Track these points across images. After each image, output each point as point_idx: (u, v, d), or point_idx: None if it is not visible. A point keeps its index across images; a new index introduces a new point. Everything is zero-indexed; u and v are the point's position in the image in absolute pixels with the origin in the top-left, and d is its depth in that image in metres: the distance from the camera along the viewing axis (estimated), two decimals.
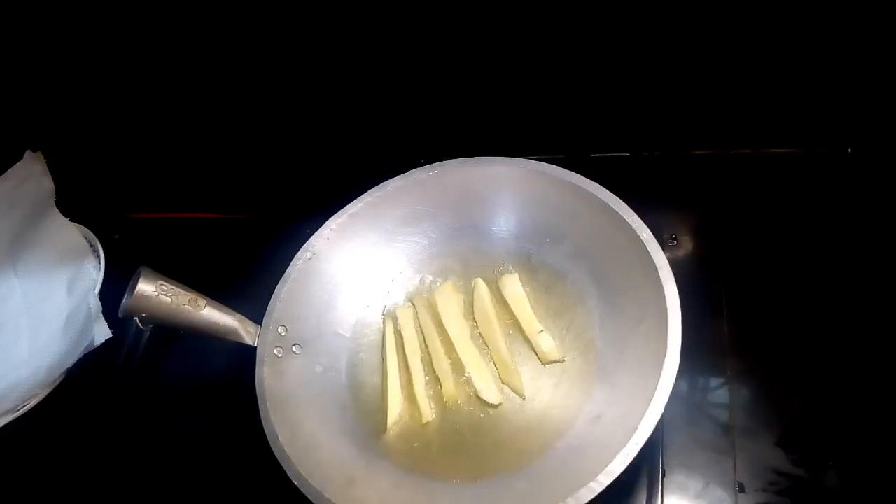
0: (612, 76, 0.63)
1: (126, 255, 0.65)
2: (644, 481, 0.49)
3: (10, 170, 0.70)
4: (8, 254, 0.67)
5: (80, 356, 0.59)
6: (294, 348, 0.55)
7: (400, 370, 0.56)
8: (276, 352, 0.54)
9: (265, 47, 0.66)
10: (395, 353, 0.57)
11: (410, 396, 0.55)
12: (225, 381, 0.60)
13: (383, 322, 0.59)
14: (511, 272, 0.59)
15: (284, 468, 0.47)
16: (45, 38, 0.68)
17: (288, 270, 0.57)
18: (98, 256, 0.66)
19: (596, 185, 0.54)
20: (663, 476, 0.49)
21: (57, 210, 0.68)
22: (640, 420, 0.43)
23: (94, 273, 0.65)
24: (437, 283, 0.60)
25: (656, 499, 0.48)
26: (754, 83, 0.60)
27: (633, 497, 0.48)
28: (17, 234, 0.68)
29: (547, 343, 0.54)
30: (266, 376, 0.52)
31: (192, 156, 0.77)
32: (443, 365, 0.55)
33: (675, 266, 0.48)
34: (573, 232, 0.57)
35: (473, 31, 0.62)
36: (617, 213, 0.52)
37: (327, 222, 0.59)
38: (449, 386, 0.54)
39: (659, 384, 0.44)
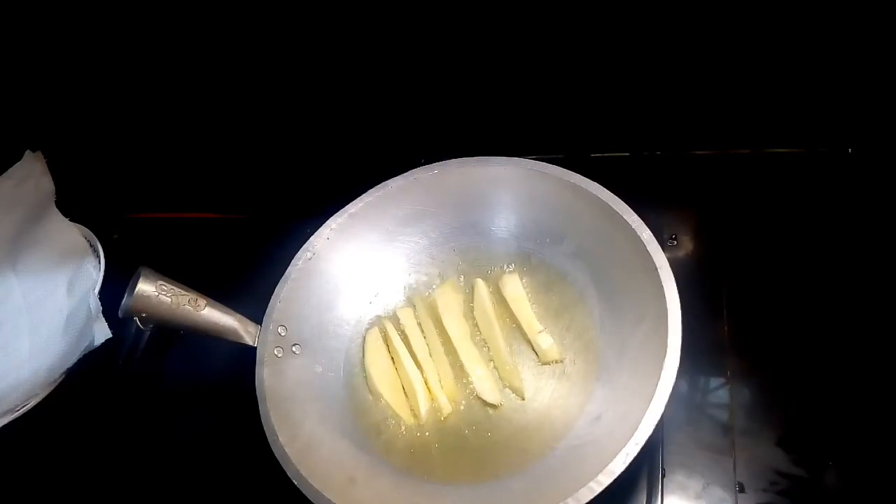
0: (612, 76, 0.63)
1: (126, 255, 0.65)
2: (644, 481, 0.49)
3: (10, 170, 0.70)
4: (8, 254, 0.67)
5: (80, 356, 0.59)
6: (294, 348, 0.55)
7: (406, 368, 0.56)
8: (276, 352, 0.54)
9: (265, 47, 0.66)
10: (399, 352, 0.57)
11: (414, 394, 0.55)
12: (225, 381, 0.60)
13: (383, 323, 0.59)
14: (511, 272, 0.59)
15: (284, 468, 0.47)
16: (45, 38, 0.67)
17: (288, 270, 0.57)
18: (98, 256, 0.66)
19: (596, 185, 0.54)
20: (663, 476, 0.49)
21: (57, 210, 0.68)
22: (640, 420, 0.43)
23: (94, 273, 0.65)
24: (437, 283, 0.60)
25: (656, 499, 0.48)
26: (754, 83, 0.60)
27: (633, 497, 0.48)
28: (17, 234, 0.68)
29: (547, 342, 0.54)
30: (266, 376, 0.52)
31: (192, 156, 0.76)
32: (443, 365, 0.55)
33: (675, 266, 0.48)
34: (573, 232, 0.57)
35: (473, 31, 0.62)
36: (617, 213, 0.52)
37: (327, 222, 0.59)
38: (449, 386, 0.54)
39: (659, 384, 0.44)
